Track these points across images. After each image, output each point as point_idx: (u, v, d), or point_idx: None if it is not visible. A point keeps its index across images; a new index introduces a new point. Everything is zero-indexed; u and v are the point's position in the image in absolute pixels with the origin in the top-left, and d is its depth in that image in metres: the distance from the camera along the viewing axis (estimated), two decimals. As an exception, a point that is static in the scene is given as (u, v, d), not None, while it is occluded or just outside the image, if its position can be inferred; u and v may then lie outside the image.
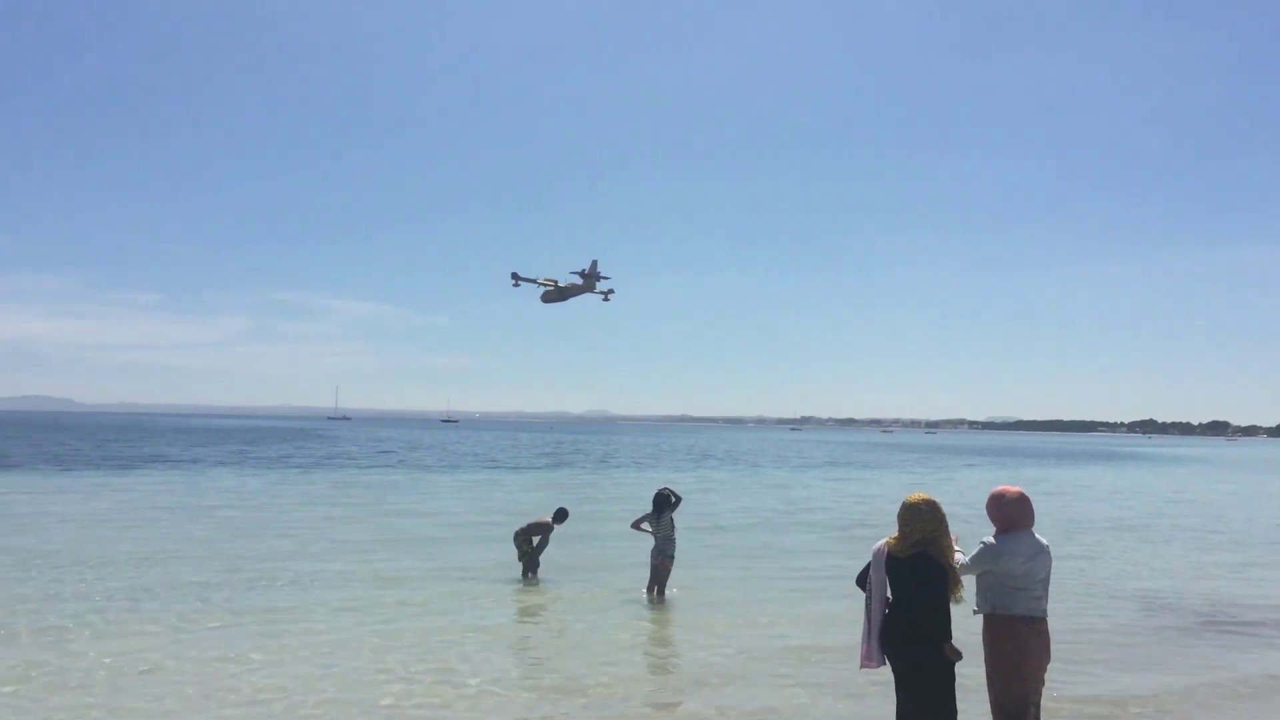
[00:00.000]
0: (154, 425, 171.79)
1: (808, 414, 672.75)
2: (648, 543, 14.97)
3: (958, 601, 6.82)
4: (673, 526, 14.74)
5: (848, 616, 13.01)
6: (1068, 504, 36.31)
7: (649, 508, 14.93)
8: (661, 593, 14.72)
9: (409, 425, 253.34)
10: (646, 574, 14.98)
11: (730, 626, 13.03)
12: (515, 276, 36.51)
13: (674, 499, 14.87)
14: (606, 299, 38.20)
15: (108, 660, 10.42)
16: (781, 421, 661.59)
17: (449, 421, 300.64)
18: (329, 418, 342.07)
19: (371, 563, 17.89)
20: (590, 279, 36.58)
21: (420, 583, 15.87)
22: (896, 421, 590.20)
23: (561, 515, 16.83)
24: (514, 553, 16.77)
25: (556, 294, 37.34)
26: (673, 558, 14.78)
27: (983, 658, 6.97)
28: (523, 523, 17.21)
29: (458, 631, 12.31)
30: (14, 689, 9.32)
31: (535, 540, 16.66)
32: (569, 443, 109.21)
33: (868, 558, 7.02)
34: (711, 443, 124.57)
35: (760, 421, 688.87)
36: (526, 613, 14.08)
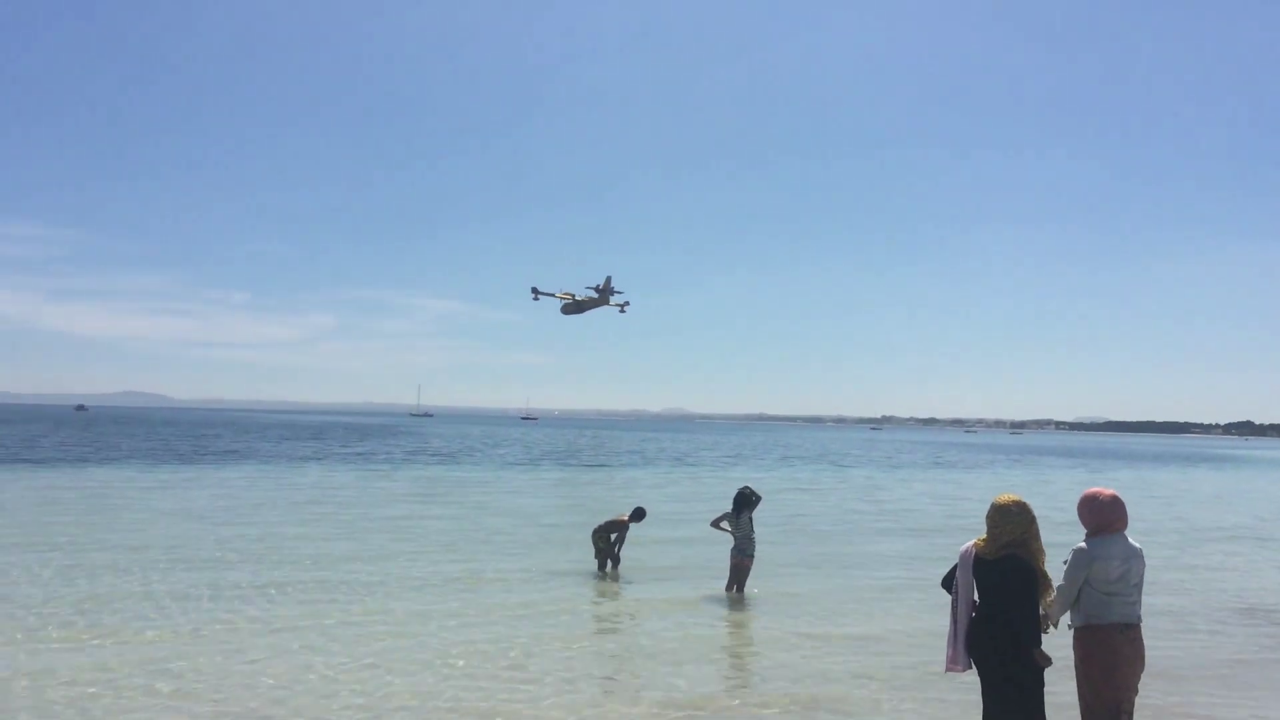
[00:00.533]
0: (244, 421, 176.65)
1: (888, 413, 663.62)
2: (727, 542, 14.92)
3: (1048, 606, 6.68)
4: (752, 526, 14.65)
5: (932, 619, 12.79)
6: (1171, 508, 35.10)
7: (729, 507, 14.90)
8: (741, 591, 14.65)
9: (489, 422, 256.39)
10: (726, 573, 14.96)
11: (811, 626, 12.93)
12: (535, 291, 38.87)
13: (755, 498, 14.79)
14: (623, 311, 40.12)
15: (217, 659, 10.76)
16: (861, 421, 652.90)
17: (528, 419, 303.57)
18: (411, 414, 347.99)
19: (457, 560, 18.13)
20: (605, 293, 38.56)
21: (502, 580, 16.00)
22: (980, 422, 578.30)
23: (639, 514, 16.88)
24: (593, 550, 16.92)
25: (574, 307, 39.52)
26: (753, 557, 14.70)
27: (1072, 666, 6.83)
28: (600, 520, 17.35)
29: (537, 628, 12.39)
30: (142, 681, 9.69)
31: (613, 538, 16.77)
32: (648, 441, 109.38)
33: (954, 560, 6.90)
34: (792, 442, 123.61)
35: (839, 421, 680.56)
36: (605, 611, 14.14)
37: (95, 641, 11.01)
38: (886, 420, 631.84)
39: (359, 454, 60.94)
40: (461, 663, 10.53)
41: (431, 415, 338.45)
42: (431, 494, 33.33)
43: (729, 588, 14.76)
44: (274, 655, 10.63)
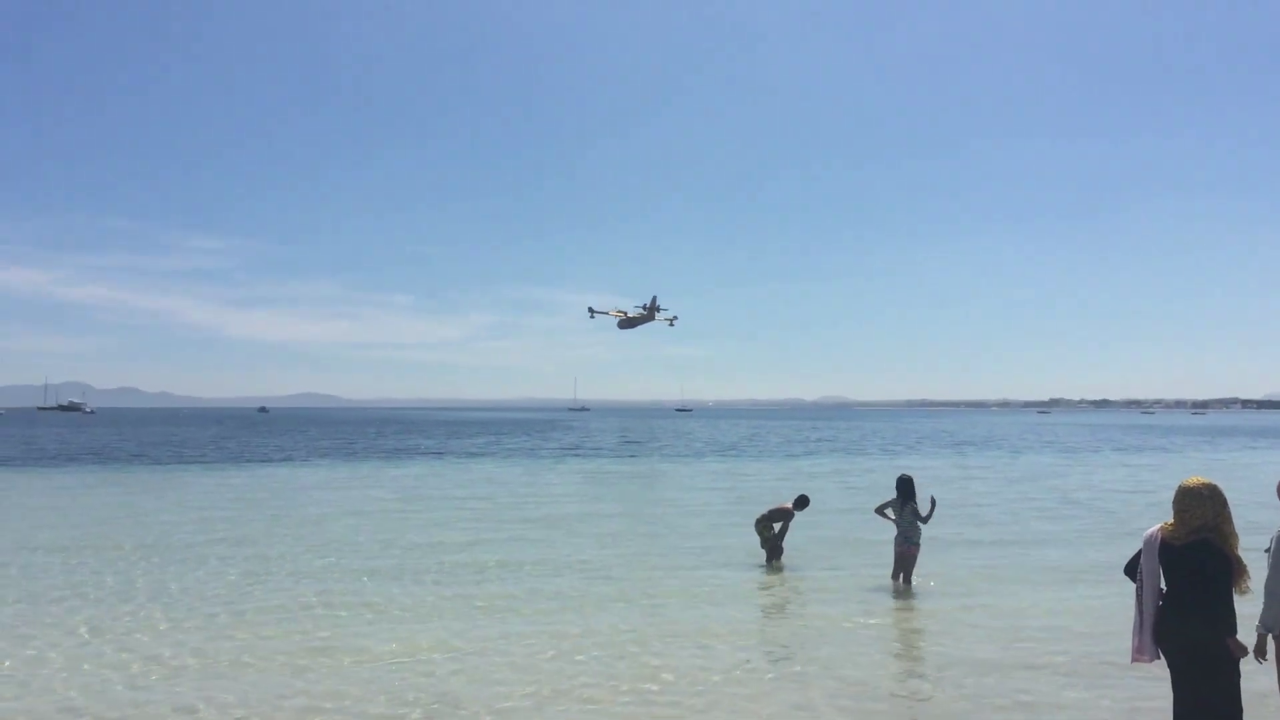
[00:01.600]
0: (410, 418, 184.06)
1: (1057, 395, 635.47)
2: (893, 530, 14.71)
3: (1242, 593, 6.37)
4: (917, 513, 14.43)
5: (1113, 607, 12.40)
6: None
7: (893, 494, 14.72)
8: (908, 580, 14.45)
9: (645, 414, 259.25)
10: (891, 561, 14.80)
11: (982, 616, 12.66)
12: (591, 310, 43.00)
13: (915, 486, 14.58)
14: (672, 324, 44.12)
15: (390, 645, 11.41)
16: (1028, 404, 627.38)
17: (683, 410, 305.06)
18: (569, 408, 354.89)
19: (625, 550, 18.49)
20: (651, 310, 42.46)
21: (669, 569, 16.23)
22: (1158, 402, 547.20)
23: (802, 502, 16.84)
24: (757, 540, 17.00)
25: (628, 322, 43.25)
26: (918, 545, 14.49)
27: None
28: (763, 510, 17.37)
29: (705, 617, 12.52)
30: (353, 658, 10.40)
31: (776, 527, 16.78)
32: (808, 430, 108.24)
33: (1137, 545, 6.67)
34: (958, 427, 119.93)
35: (1004, 405, 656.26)
36: (771, 600, 14.15)
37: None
38: (1055, 403, 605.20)
39: (525, 449, 62.71)
40: (628, 650, 10.76)
41: (588, 409, 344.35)
42: (598, 487, 34.03)
43: (895, 576, 14.60)
44: (469, 637, 11.09)
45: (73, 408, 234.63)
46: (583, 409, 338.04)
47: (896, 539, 14.56)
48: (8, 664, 10.05)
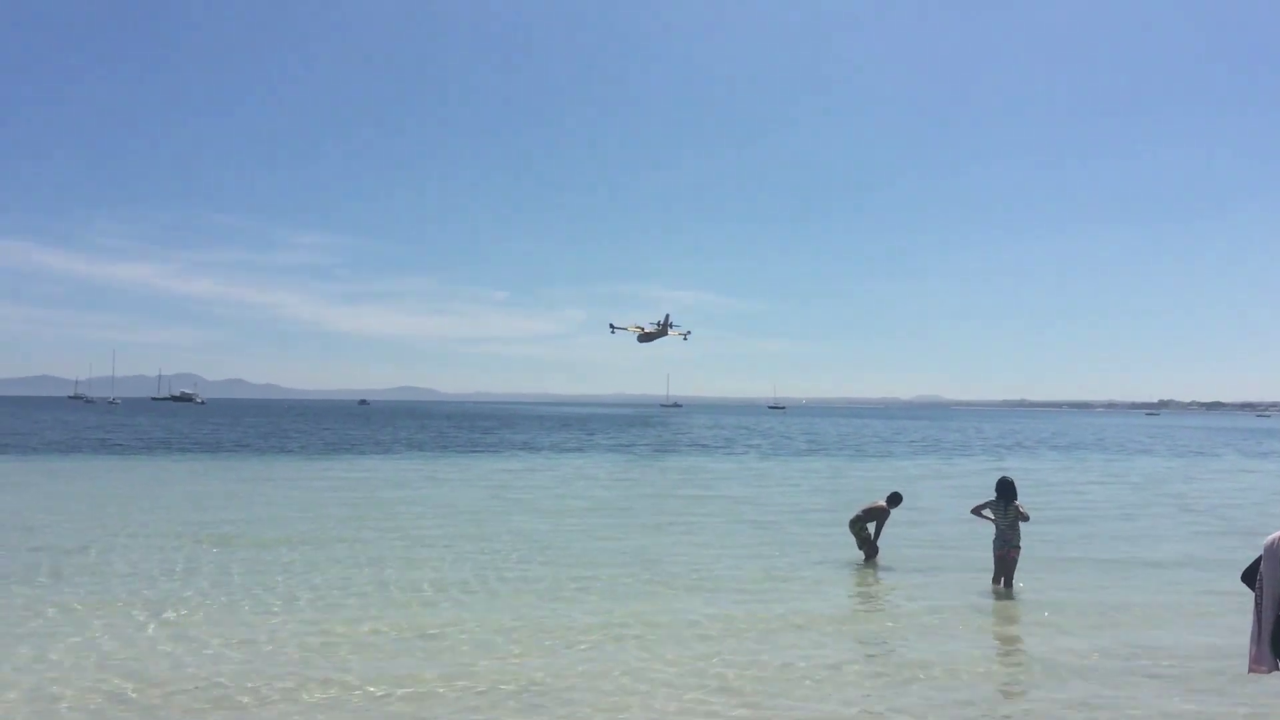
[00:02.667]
0: (507, 413, 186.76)
1: (1166, 397, 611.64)
2: (992, 533, 14.51)
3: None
4: (1018, 515, 14.22)
5: (1229, 615, 12.14)
6: None
7: (992, 495, 14.52)
8: (1009, 584, 14.24)
9: (737, 411, 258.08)
10: (990, 564, 14.55)
11: (1085, 621, 12.38)
12: (612, 326, 46.91)
13: (1014, 487, 14.40)
14: (685, 338, 48.99)
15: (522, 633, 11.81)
16: (1135, 406, 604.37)
17: (776, 407, 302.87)
18: (661, 405, 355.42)
19: (722, 547, 18.62)
20: (664, 327, 46.79)
21: (768, 567, 16.25)
22: (1275, 406, 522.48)
23: (895, 499, 16.80)
24: (853, 540, 16.96)
25: (646, 337, 47.15)
26: (1019, 548, 14.31)
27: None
28: (857, 509, 17.27)
29: (799, 618, 12.40)
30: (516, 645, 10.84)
31: (871, 526, 16.71)
32: (905, 429, 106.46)
33: (1257, 551, 6.56)
34: (1064, 429, 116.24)
35: (1110, 406, 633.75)
36: (868, 601, 14.05)
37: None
38: (1164, 405, 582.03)
39: (623, 444, 63.26)
40: (721, 646, 10.79)
41: (680, 405, 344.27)
42: (692, 485, 34.19)
43: (996, 580, 14.39)
44: (595, 647, 11.18)
45: (185, 398, 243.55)
46: (675, 405, 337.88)
47: (995, 541, 14.39)
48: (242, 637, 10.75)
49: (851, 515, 17.14)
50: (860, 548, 16.74)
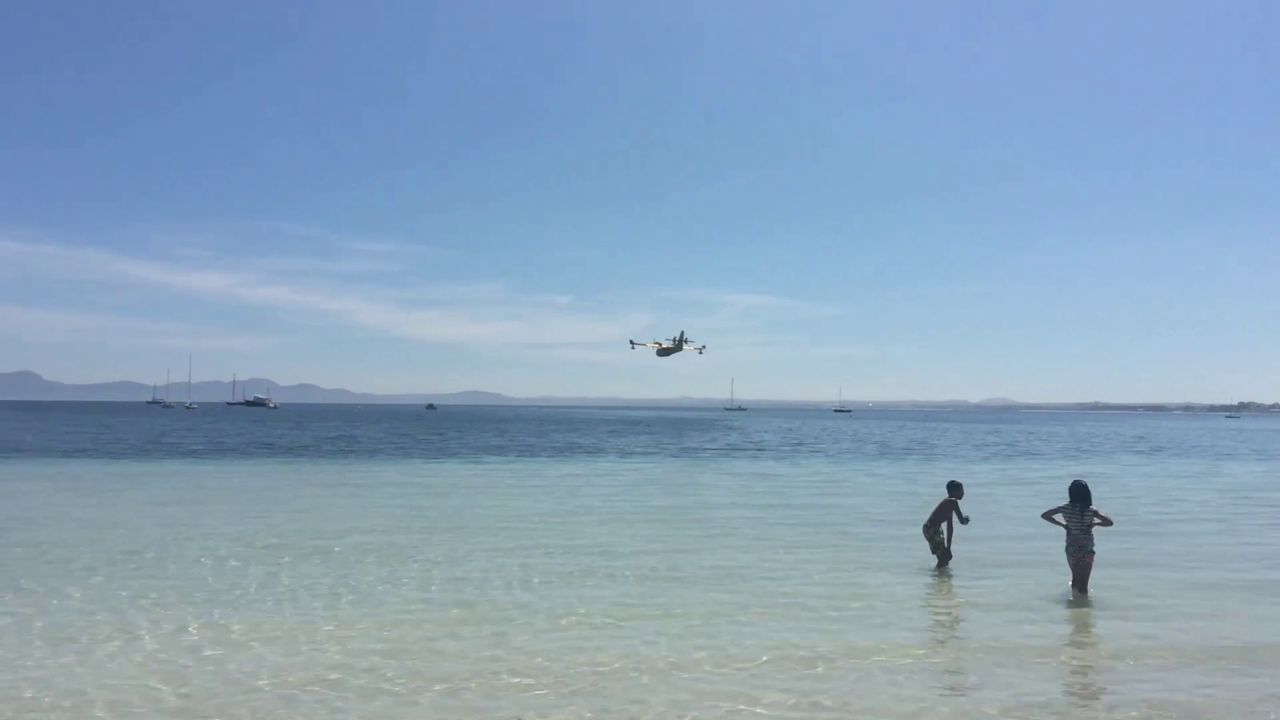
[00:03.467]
0: (571, 416, 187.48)
1: (1246, 399, 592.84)
2: (1064, 538, 14.09)
3: None
4: (1095, 520, 13.82)
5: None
6: None
7: (1065, 500, 14.18)
8: (1084, 589, 13.75)
9: (803, 415, 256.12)
10: (1064, 570, 14.21)
11: (1164, 628, 11.92)
12: (632, 343, 49.56)
13: (1088, 491, 14.01)
14: (700, 352, 51.29)
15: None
16: (1214, 408, 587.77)
17: (842, 411, 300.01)
18: (725, 408, 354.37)
19: (798, 556, 17.85)
20: (679, 343, 49.39)
21: (839, 575, 15.63)
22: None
23: (955, 488, 16.15)
24: (928, 546, 16.31)
25: (664, 351, 49.52)
26: (1093, 553, 13.88)
27: None
28: (926, 514, 16.71)
29: (872, 625, 12.05)
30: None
31: (943, 527, 16.07)
32: (980, 432, 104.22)
33: None
34: (1142, 432, 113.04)
35: (1187, 409, 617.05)
36: (941, 607, 13.55)
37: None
38: (1244, 407, 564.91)
39: (686, 448, 62.60)
40: (803, 653, 10.41)
41: (745, 409, 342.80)
42: (760, 489, 33.42)
43: (1075, 585, 13.90)
44: (668, 647, 10.75)
45: (258, 403, 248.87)
46: (739, 409, 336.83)
47: (1068, 548, 13.94)
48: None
49: (923, 523, 16.55)
50: (933, 552, 16.14)
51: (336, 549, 17.35)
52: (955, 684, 9.53)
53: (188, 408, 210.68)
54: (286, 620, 11.69)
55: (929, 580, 15.21)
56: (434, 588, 13.90)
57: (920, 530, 16.66)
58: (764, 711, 8.52)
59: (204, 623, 11.44)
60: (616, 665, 9.83)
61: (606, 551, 17.59)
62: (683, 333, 48.25)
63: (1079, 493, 13.92)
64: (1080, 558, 13.80)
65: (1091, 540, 13.83)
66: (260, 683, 9.08)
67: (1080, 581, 13.82)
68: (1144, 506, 26.19)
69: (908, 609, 13.21)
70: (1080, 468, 45.37)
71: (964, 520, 15.80)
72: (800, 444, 71.64)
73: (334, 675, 9.35)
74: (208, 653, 10.11)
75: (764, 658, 10.20)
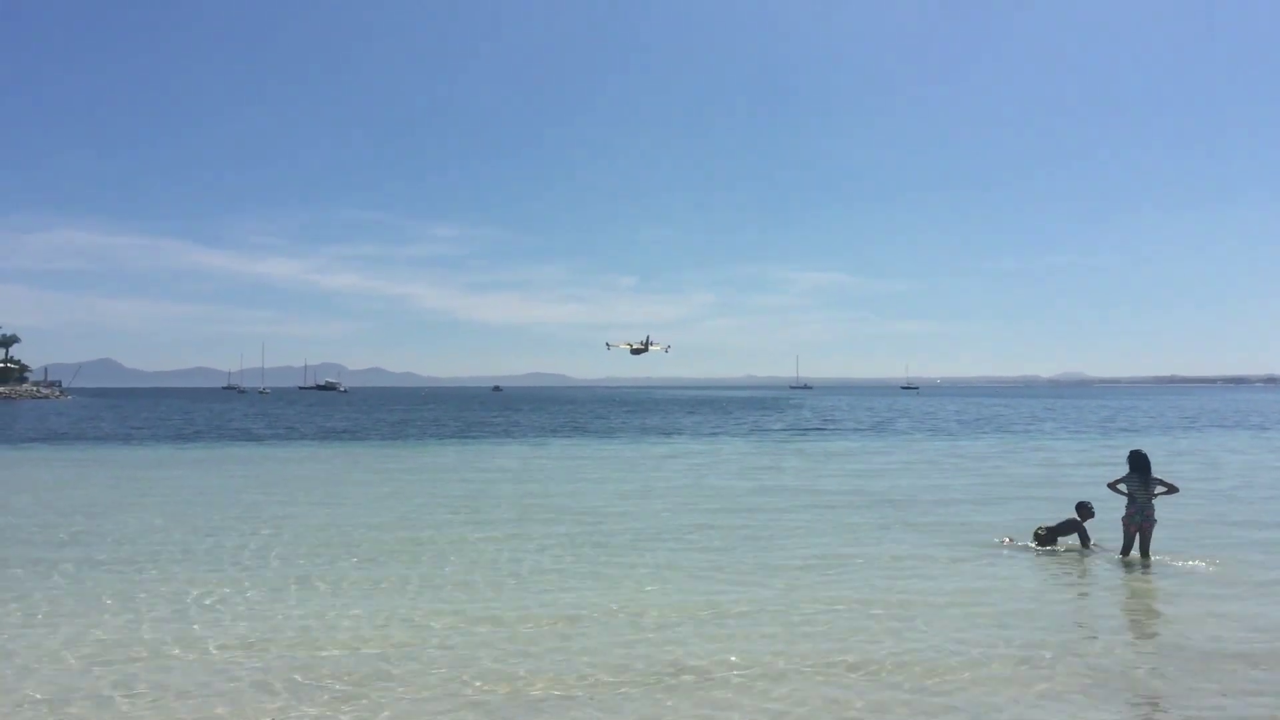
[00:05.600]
0: (637, 397, 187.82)
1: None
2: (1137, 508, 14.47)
3: None
4: (1152, 488, 14.41)
5: None
6: None
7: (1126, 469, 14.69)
8: (1146, 553, 14.29)
9: (870, 392, 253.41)
10: (1121, 537, 14.61)
11: (1234, 598, 11.88)
12: (608, 344, 55.74)
13: (1147, 461, 14.57)
14: (666, 351, 57.80)
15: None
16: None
17: (910, 388, 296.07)
18: (791, 386, 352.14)
19: (877, 535, 17.49)
20: (647, 344, 55.65)
21: (902, 548, 15.67)
22: None
23: (1085, 509, 15.59)
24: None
25: (636, 351, 55.38)
26: (1154, 521, 14.41)
27: None
28: (1047, 523, 15.92)
29: (945, 594, 12.10)
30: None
31: (1063, 541, 15.41)
32: (1051, 409, 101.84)
33: None
34: (1228, 406, 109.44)
35: (1270, 381, 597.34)
36: (1007, 577, 13.43)
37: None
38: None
39: (757, 427, 62.17)
40: (857, 624, 10.58)
41: (810, 387, 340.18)
42: (833, 465, 32.96)
43: (1125, 552, 14.45)
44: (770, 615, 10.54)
45: (329, 387, 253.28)
46: (805, 387, 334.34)
47: (1133, 516, 14.42)
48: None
49: (1041, 527, 15.80)
50: (1036, 544, 15.52)
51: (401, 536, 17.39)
52: (1024, 655, 9.19)
53: (262, 393, 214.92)
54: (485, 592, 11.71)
55: (1000, 552, 15.23)
56: (493, 568, 13.80)
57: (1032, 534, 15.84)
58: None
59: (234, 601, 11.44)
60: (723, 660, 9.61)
61: (700, 533, 17.34)
62: (649, 336, 56.22)
63: (1139, 461, 14.50)
64: (1140, 524, 14.35)
65: (1152, 509, 14.41)
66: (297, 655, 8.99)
67: (1142, 545, 14.36)
68: (1229, 477, 25.23)
69: (977, 578, 12.63)
70: (1175, 443, 44.12)
71: (1086, 544, 15.31)
72: (884, 421, 69.83)
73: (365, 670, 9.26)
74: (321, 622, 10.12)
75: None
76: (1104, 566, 14.18)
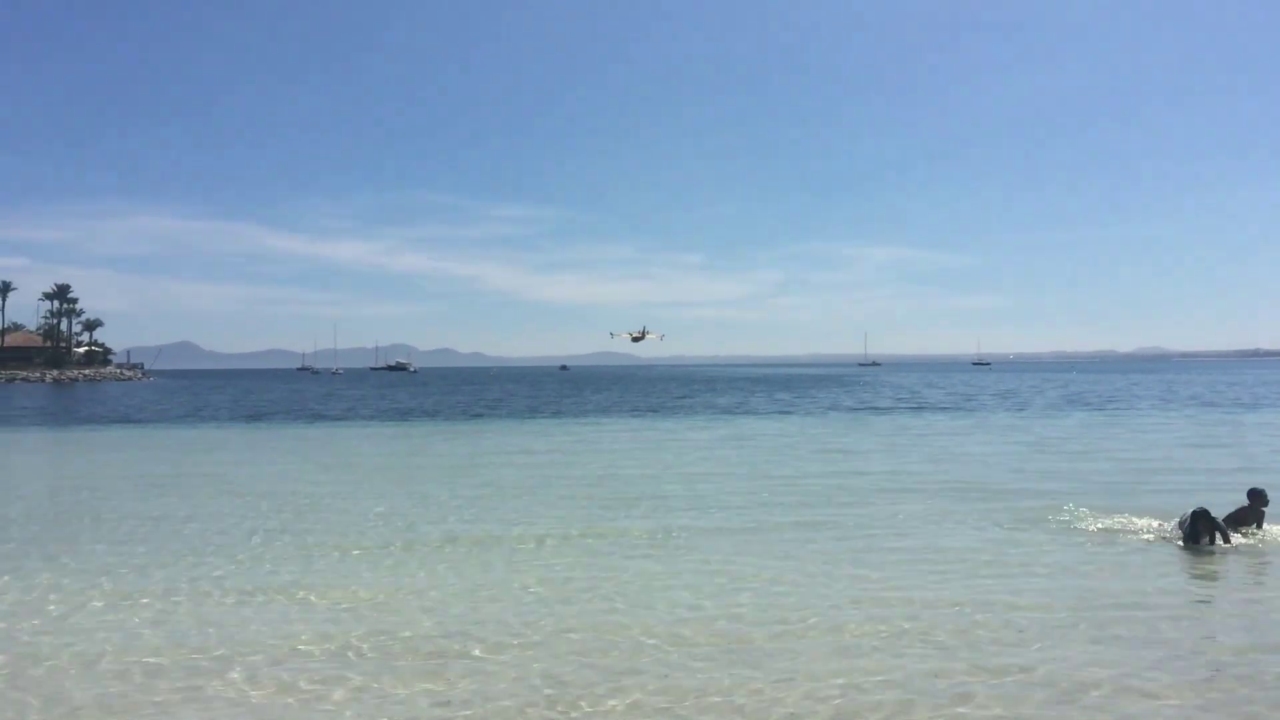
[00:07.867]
0: (705, 375, 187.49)
1: None
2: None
3: None
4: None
5: None
6: None
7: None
8: (1228, 539, 13.42)
9: (939, 369, 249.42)
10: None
11: None
12: (611, 334, 59.83)
13: None
14: (661, 339, 61.25)
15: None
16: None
17: (981, 364, 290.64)
18: (859, 364, 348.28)
19: (931, 511, 17.15)
20: (644, 333, 58.27)
21: (992, 528, 15.31)
22: None
23: (1260, 496, 14.06)
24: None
25: (635, 339, 58.29)
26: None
27: None
28: (1191, 514, 13.74)
29: (1015, 575, 11.95)
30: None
31: (1219, 536, 13.41)
32: (1137, 384, 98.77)
33: None
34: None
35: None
36: (1071, 559, 12.97)
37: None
38: None
39: (830, 405, 61.55)
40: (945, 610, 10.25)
41: (879, 364, 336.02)
42: (910, 443, 32.39)
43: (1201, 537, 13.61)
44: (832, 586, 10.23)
45: (399, 367, 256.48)
46: (873, 364, 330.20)
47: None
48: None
49: (1219, 515, 13.79)
50: (1193, 536, 13.53)
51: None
52: (1099, 634, 9.02)
53: (334, 373, 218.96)
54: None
55: (1068, 534, 14.69)
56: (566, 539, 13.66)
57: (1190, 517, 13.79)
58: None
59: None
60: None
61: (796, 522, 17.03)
62: (645, 327, 59.47)
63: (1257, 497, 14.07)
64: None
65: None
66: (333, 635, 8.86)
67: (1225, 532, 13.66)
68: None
69: (1049, 557, 12.36)
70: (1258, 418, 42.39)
71: (1227, 540, 13.40)
72: (974, 397, 68.53)
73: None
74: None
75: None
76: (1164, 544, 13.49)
